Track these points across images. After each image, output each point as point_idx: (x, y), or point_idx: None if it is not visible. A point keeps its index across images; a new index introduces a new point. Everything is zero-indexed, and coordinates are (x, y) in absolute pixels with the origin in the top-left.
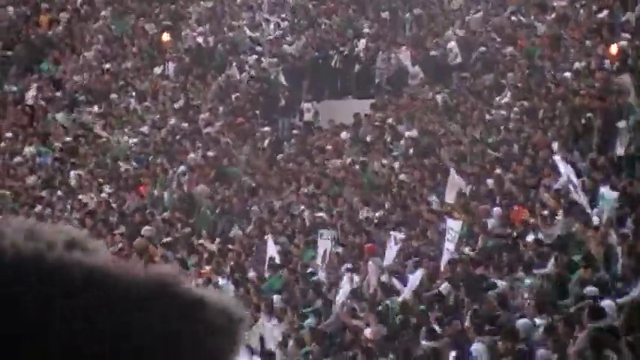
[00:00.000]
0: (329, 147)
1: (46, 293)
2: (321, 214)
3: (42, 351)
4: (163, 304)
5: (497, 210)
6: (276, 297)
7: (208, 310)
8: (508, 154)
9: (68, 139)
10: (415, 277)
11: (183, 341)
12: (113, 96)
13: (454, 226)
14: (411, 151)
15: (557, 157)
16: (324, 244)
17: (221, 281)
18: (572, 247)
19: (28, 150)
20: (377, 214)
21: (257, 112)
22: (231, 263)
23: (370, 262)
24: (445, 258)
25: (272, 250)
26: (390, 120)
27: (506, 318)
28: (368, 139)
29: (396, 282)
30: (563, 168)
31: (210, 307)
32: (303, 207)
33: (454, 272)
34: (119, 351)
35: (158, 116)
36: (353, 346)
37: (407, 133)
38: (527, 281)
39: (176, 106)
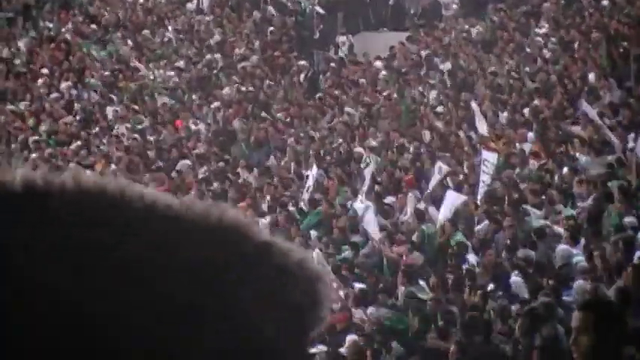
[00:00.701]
0: (364, 79)
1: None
2: (358, 148)
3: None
4: (233, 244)
5: (531, 135)
6: (313, 232)
7: (280, 257)
8: (545, 84)
9: (106, 73)
10: (452, 205)
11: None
12: (148, 31)
13: (490, 157)
14: (448, 83)
15: (584, 104)
16: (367, 173)
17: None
18: (612, 180)
19: (65, 85)
20: (414, 146)
21: (292, 45)
22: (269, 197)
23: (410, 194)
24: (481, 190)
25: (310, 183)
26: (425, 52)
27: (544, 249)
28: (403, 71)
29: (433, 210)
30: (590, 112)
31: (284, 254)
32: (340, 140)
33: (490, 204)
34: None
35: (194, 51)
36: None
37: (442, 66)
38: (566, 212)
39: (212, 41)
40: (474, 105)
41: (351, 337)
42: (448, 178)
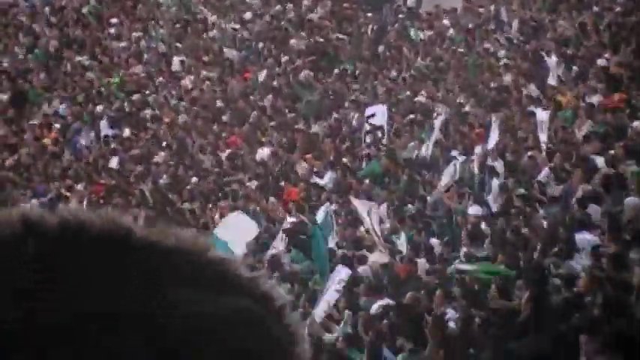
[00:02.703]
0: (431, 33)
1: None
2: (422, 99)
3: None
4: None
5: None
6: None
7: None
8: (614, 37)
9: (176, 25)
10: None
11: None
12: None
13: (543, 117)
14: (514, 40)
15: None
16: (436, 124)
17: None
18: None
19: (134, 35)
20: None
21: None
22: (332, 149)
23: (476, 149)
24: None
25: (373, 131)
26: (492, 7)
27: (611, 202)
28: (470, 25)
29: (498, 165)
30: None
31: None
32: (408, 92)
33: (552, 161)
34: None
35: (261, 2)
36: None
37: (507, 20)
38: (633, 168)
39: None
40: (545, 59)
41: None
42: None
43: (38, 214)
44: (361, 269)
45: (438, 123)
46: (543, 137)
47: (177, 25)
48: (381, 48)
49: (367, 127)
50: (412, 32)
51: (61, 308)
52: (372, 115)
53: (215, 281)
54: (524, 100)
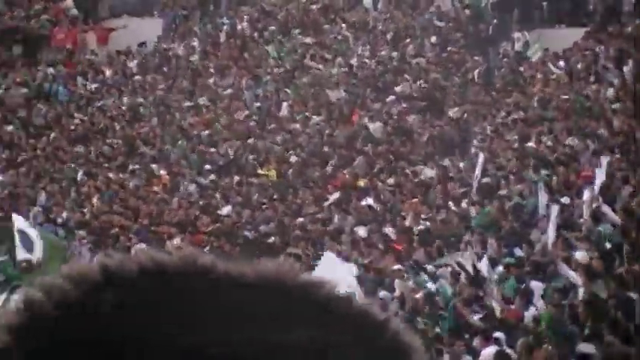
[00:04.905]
0: (539, 76)
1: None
2: (531, 143)
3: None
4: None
5: None
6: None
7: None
8: None
9: (280, 70)
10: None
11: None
12: (325, 27)
13: None
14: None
15: None
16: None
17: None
18: None
19: (244, 82)
20: (586, 143)
21: (467, 41)
22: (440, 191)
23: (585, 191)
24: None
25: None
26: (600, 49)
27: None
28: (579, 67)
29: (607, 209)
30: None
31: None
32: (515, 136)
33: None
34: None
35: (368, 47)
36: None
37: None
38: None
39: (388, 37)
40: None
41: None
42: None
43: (117, 262)
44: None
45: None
46: None
47: (283, 71)
48: (489, 91)
49: (478, 173)
50: (520, 74)
51: (144, 348)
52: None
53: (300, 310)
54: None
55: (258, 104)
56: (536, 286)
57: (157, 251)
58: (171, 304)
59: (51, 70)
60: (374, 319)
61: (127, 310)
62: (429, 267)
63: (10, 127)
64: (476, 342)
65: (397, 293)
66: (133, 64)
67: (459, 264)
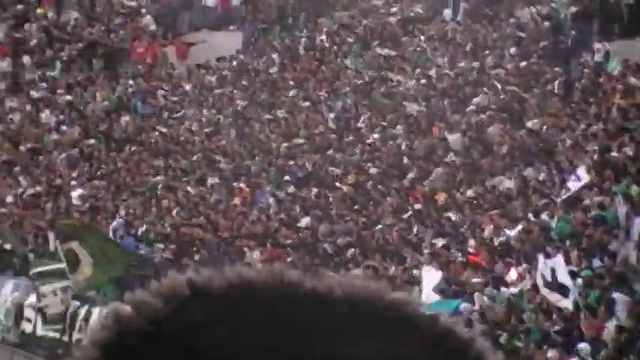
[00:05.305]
0: (619, 86)
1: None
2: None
3: None
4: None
5: None
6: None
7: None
8: None
9: (358, 82)
10: None
11: None
12: (403, 39)
13: None
14: None
15: None
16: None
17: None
18: None
19: (322, 95)
20: None
21: (546, 52)
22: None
23: None
24: None
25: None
26: None
27: None
28: None
29: None
30: None
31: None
32: (595, 147)
33: None
34: None
35: (446, 59)
36: None
37: None
38: None
39: (467, 48)
40: None
41: None
42: None
43: (205, 277)
44: None
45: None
46: None
47: (362, 83)
48: (569, 103)
49: (571, 186)
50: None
51: None
52: (577, 178)
53: (388, 325)
54: None
55: (336, 116)
56: (619, 297)
57: (244, 267)
58: (259, 321)
59: (131, 83)
60: (459, 338)
61: (215, 325)
62: (509, 278)
63: (91, 141)
64: (556, 354)
65: (477, 306)
66: (212, 78)
67: (542, 275)
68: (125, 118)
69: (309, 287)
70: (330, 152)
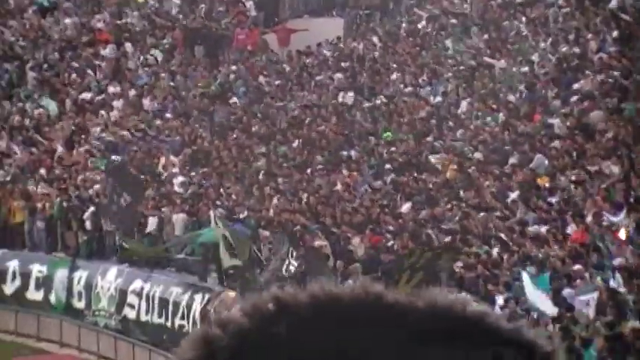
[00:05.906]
0: None
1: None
2: None
3: None
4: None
5: None
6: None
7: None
8: None
9: (459, 67)
10: None
11: None
12: (505, 23)
13: None
14: None
15: None
16: None
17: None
18: None
19: (423, 79)
20: None
21: None
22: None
23: None
24: None
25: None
26: None
27: None
28: None
29: None
30: None
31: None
32: None
33: None
34: None
35: (549, 42)
36: None
37: None
38: None
39: (570, 36)
40: None
41: None
42: None
43: (290, 294)
44: None
45: None
46: None
47: (463, 69)
48: None
49: None
50: None
51: None
52: None
53: (472, 336)
54: None
55: (437, 101)
56: None
57: (329, 283)
58: (344, 336)
59: (233, 68)
60: (540, 351)
61: (301, 340)
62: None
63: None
64: None
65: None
66: (313, 64)
67: None
68: (226, 106)
69: (392, 300)
70: (430, 137)
